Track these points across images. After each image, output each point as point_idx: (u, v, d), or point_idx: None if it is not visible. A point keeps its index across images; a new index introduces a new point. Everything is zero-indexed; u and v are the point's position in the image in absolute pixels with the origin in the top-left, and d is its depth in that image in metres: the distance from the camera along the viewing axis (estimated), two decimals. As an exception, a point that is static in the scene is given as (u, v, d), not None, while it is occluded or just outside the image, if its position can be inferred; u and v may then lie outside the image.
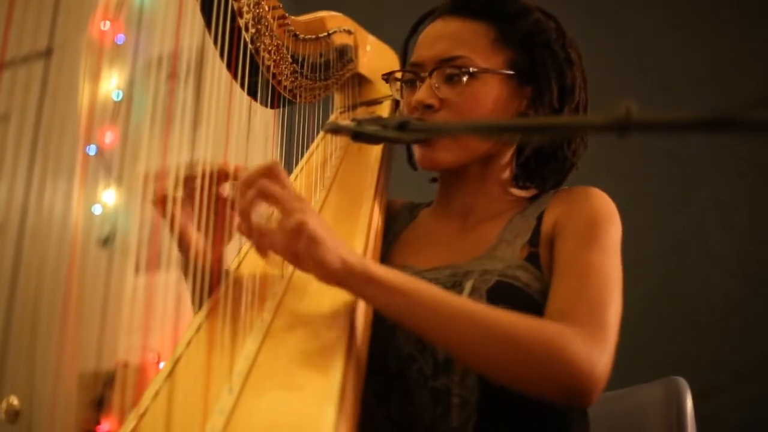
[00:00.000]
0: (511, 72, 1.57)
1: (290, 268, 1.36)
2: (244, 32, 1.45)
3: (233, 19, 1.43)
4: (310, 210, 1.21)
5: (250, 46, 1.47)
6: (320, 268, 1.19)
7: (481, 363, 1.26)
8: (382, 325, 1.39)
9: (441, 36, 1.59)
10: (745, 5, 3.09)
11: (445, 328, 1.23)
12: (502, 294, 1.39)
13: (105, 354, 3.56)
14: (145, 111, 3.86)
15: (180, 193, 1.34)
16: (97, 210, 3.98)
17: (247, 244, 1.47)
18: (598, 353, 1.23)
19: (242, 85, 1.49)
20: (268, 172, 1.22)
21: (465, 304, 1.27)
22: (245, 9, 1.44)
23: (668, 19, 3.17)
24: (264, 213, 1.27)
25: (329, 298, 1.26)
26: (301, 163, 1.74)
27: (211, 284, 1.35)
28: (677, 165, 3.01)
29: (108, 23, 4.21)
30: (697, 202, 3.00)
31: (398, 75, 1.67)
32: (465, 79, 1.53)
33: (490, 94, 1.55)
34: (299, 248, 1.18)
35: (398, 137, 1.17)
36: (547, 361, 1.21)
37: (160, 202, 1.34)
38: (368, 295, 1.24)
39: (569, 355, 1.21)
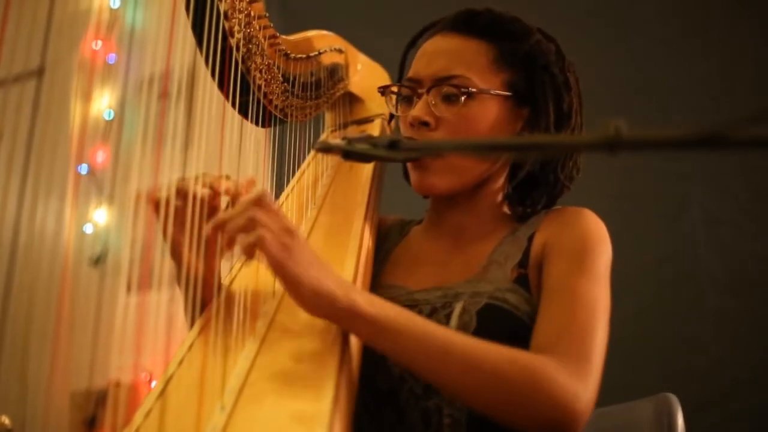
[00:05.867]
0: (509, 93, 1.56)
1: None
2: (235, 52, 1.45)
3: (224, 39, 1.43)
4: (293, 246, 1.20)
5: (241, 65, 1.47)
6: (305, 306, 1.20)
7: (466, 397, 1.27)
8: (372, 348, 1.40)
9: (440, 53, 1.58)
10: (737, 23, 3.11)
11: (431, 364, 1.23)
12: (492, 316, 1.39)
13: (97, 373, 3.56)
14: (136, 130, 3.87)
15: (173, 201, 1.33)
16: (88, 229, 3.98)
17: (240, 261, 1.47)
18: (582, 387, 1.24)
19: (233, 105, 1.49)
20: (257, 202, 1.22)
21: (451, 338, 1.26)
22: (236, 29, 1.44)
23: (660, 35, 3.19)
24: None
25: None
26: (292, 182, 1.74)
27: (204, 295, 1.36)
28: (667, 181, 3.02)
29: (99, 43, 4.22)
30: (687, 219, 3.01)
31: (395, 89, 1.66)
32: (462, 99, 1.52)
33: (486, 115, 1.54)
34: (283, 284, 1.20)
35: (389, 156, 1.16)
36: (531, 395, 1.22)
37: (154, 204, 1.33)
38: (354, 330, 1.25)
39: (553, 390, 1.22)
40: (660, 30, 3.20)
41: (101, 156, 4.08)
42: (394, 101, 1.66)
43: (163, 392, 1.15)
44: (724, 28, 3.11)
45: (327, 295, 1.19)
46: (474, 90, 1.53)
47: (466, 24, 1.60)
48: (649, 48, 3.19)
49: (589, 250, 1.44)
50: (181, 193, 1.32)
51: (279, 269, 1.18)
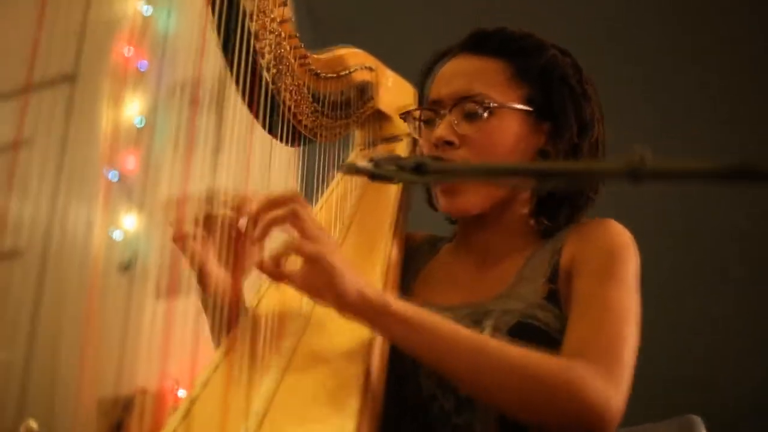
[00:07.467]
0: (530, 108, 1.58)
1: (308, 308, 1.37)
2: (264, 72, 1.46)
3: (255, 60, 1.44)
4: (329, 241, 1.22)
5: (271, 86, 1.48)
6: (338, 298, 1.20)
7: (498, 399, 1.28)
8: (402, 365, 1.40)
9: (458, 73, 1.60)
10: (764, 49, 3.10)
11: (463, 365, 1.25)
12: (523, 334, 1.39)
13: (124, 380, 3.57)
14: (166, 137, 3.88)
15: (200, 230, 1.35)
16: (117, 235, 4.00)
17: (266, 283, 1.48)
18: (613, 391, 1.25)
19: (263, 125, 1.50)
20: (290, 200, 1.23)
21: (483, 340, 1.29)
22: (267, 49, 1.45)
23: (684, 59, 3.18)
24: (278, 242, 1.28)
25: (346, 338, 1.27)
26: (321, 201, 1.74)
27: (230, 318, 1.37)
28: (696, 198, 3.00)
29: (131, 49, 4.24)
30: (715, 236, 3.00)
31: (416, 114, 1.67)
32: (485, 115, 1.53)
33: (509, 130, 1.55)
34: (317, 279, 1.20)
35: (414, 179, 1.18)
36: (563, 397, 1.23)
37: (180, 239, 1.35)
38: (386, 329, 1.25)
39: (585, 393, 1.22)
40: (685, 54, 3.19)
41: (131, 162, 4.10)
42: (416, 125, 1.67)
43: (188, 413, 1.16)
44: (752, 55, 3.10)
45: (361, 291, 1.20)
46: (495, 105, 1.54)
47: (480, 44, 1.62)
48: (673, 72, 3.18)
49: (615, 258, 1.45)
50: (208, 222, 1.35)
51: (315, 262, 1.19)
